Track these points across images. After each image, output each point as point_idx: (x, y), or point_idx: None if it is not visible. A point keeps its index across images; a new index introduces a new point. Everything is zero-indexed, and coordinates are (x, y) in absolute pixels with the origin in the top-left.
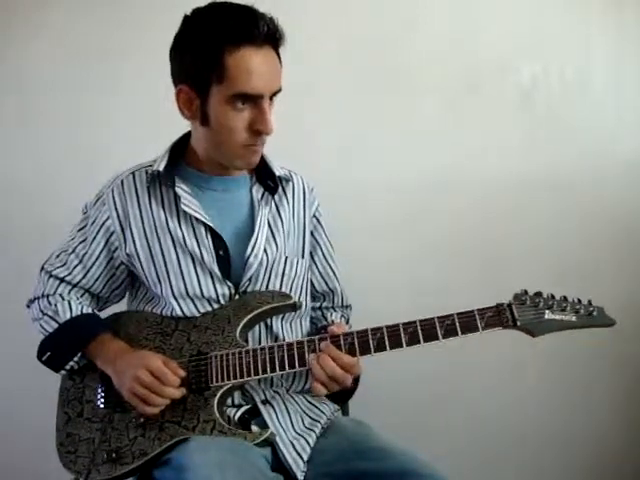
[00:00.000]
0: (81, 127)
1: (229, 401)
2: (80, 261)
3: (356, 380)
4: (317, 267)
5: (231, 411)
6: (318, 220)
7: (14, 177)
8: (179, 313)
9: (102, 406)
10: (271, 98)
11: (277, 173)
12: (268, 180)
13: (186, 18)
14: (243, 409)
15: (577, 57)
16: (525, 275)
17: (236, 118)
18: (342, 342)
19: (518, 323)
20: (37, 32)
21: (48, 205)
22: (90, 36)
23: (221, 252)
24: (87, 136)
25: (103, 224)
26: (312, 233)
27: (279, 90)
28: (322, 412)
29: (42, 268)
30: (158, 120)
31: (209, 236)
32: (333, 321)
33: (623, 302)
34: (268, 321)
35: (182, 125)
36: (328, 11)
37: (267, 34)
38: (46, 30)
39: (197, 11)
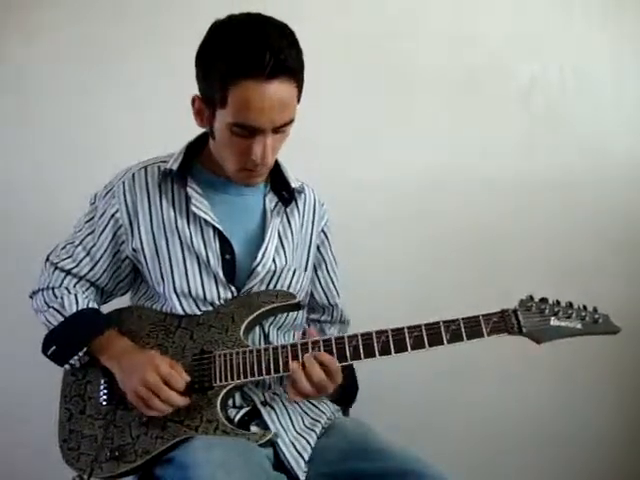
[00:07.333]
0: (80, 127)
1: (230, 402)
2: (87, 253)
3: (354, 383)
4: (320, 282)
5: (232, 412)
6: (326, 235)
7: (13, 177)
8: (179, 311)
9: (104, 403)
10: (278, 130)
11: (293, 185)
12: (283, 190)
13: (209, 30)
14: (243, 411)
15: (576, 56)
16: (524, 274)
17: (234, 143)
18: (347, 345)
19: (524, 330)
20: (37, 32)
21: (47, 205)
22: (89, 36)
23: (227, 256)
24: (86, 136)
25: (112, 216)
26: (318, 248)
27: (289, 121)
28: (322, 412)
29: (47, 259)
30: (158, 120)
31: (217, 239)
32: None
33: (624, 302)
34: (265, 329)
35: (182, 125)
36: (328, 10)
37: (275, 66)
38: (46, 30)
39: (216, 27)
